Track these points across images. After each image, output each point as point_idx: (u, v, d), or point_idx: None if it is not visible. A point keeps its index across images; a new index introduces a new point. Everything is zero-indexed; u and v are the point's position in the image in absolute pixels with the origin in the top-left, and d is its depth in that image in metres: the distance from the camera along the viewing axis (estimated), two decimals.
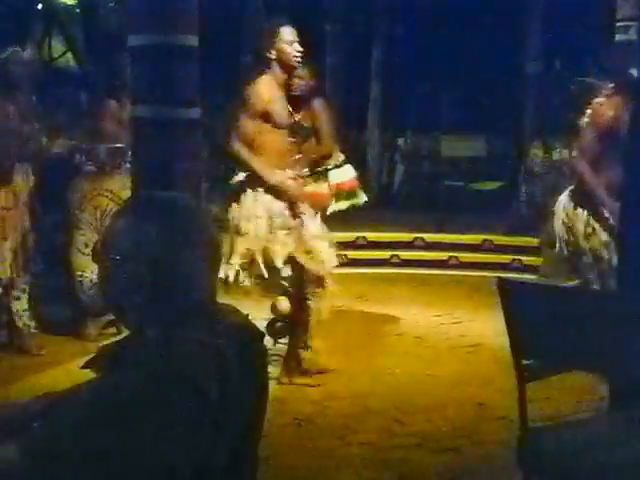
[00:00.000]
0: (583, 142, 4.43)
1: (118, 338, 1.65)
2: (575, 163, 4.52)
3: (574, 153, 4.59)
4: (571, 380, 4.23)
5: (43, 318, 5.34)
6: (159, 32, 2.95)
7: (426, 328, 5.93)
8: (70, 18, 5.97)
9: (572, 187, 4.53)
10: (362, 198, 6.26)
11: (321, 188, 6.00)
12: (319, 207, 5.98)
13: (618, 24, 4.61)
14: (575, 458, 2.37)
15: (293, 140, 5.69)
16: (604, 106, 4.36)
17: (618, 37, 4.63)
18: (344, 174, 6.14)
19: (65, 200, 5.34)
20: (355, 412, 4.23)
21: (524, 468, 2.52)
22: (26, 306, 5.06)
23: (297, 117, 6.05)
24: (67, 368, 4.64)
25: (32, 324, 5.09)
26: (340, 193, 6.08)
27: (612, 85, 4.36)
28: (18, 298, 5.04)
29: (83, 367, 1.59)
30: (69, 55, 5.93)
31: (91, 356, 1.60)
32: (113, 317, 5.10)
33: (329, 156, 6.04)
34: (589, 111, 4.41)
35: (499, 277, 2.52)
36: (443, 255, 8.00)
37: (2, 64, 4.94)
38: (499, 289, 2.48)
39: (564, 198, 4.53)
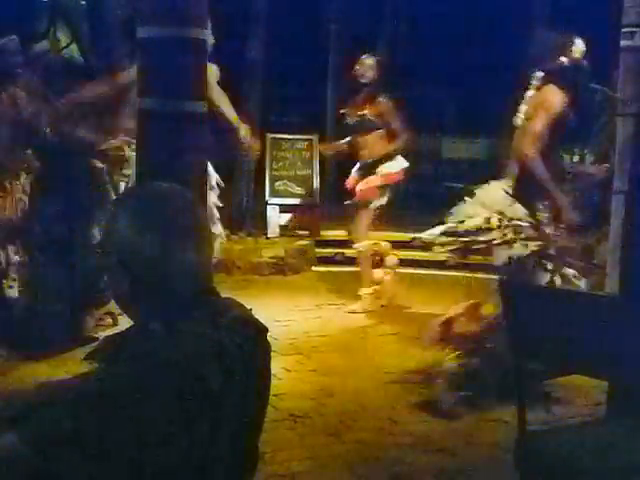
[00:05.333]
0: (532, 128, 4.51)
1: (121, 330, 1.65)
2: (526, 152, 4.49)
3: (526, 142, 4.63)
4: (567, 384, 4.26)
5: (40, 308, 5.32)
6: (169, 25, 2.94)
7: (422, 328, 5.92)
8: (75, 9, 5.97)
9: (506, 180, 4.56)
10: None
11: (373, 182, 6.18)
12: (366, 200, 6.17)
13: (623, 30, 4.59)
14: (573, 462, 2.38)
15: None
16: (544, 92, 4.53)
17: (623, 43, 4.61)
18: (396, 165, 6.33)
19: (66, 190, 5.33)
20: (350, 410, 4.24)
21: (522, 470, 2.52)
22: (16, 295, 5.05)
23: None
24: (64, 358, 4.65)
25: (22, 314, 5.07)
26: (387, 185, 6.25)
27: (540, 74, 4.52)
28: (10, 287, 5.03)
29: (85, 358, 1.59)
30: (73, 47, 5.94)
31: (93, 347, 1.61)
32: (110, 308, 5.16)
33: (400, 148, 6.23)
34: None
35: (501, 278, 2.52)
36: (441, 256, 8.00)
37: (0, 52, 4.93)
38: (500, 290, 2.48)
39: (498, 191, 4.54)
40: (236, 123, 5.32)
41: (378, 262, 6.61)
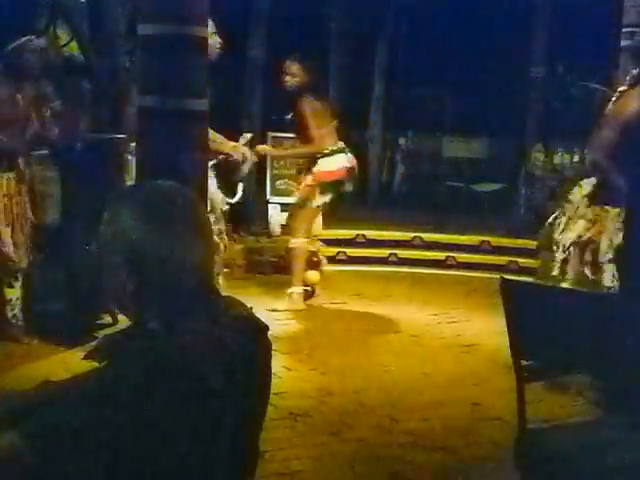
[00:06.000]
0: (603, 133, 4.21)
1: (121, 329, 1.65)
2: (595, 155, 4.32)
3: (591, 145, 4.42)
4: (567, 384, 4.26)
5: (38, 307, 5.32)
6: (169, 22, 2.94)
7: (422, 327, 5.94)
8: (75, 7, 5.98)
9: (593, 183, 4.37)
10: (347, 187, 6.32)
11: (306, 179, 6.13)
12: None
13: (624, 30, 4.61)
14: (573, 461, 2.38)
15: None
16: (626, 96, 4.20)
17: (623, 43, 4.63)
18: (332, 164, 6.18)
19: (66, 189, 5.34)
20: (351, 408, 4.24)
21: (522, 469, 2.52)
22: (18, 294, 5.05)
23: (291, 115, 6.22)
24: (63, 357, 4.65)
25: (20, 314, 5.07)
26: (325, 184, 6.14)
27: (636, 71, 4.16)
28: (11, 286, 5.03)
29: (85, 357, 1.58)
30: (73, 44, 5.96)
31: (93, 346, 1.60)
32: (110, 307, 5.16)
33: (312, 153, 6.14)
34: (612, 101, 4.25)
35: (502, 277, 2.51)
36: (441, 255, 8.02)
37: (15, 52, 4.94)
38: (502, 289, 2.48)
39: (579, 195, 4.42)
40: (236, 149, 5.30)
41: (315, 262, 6.50)
